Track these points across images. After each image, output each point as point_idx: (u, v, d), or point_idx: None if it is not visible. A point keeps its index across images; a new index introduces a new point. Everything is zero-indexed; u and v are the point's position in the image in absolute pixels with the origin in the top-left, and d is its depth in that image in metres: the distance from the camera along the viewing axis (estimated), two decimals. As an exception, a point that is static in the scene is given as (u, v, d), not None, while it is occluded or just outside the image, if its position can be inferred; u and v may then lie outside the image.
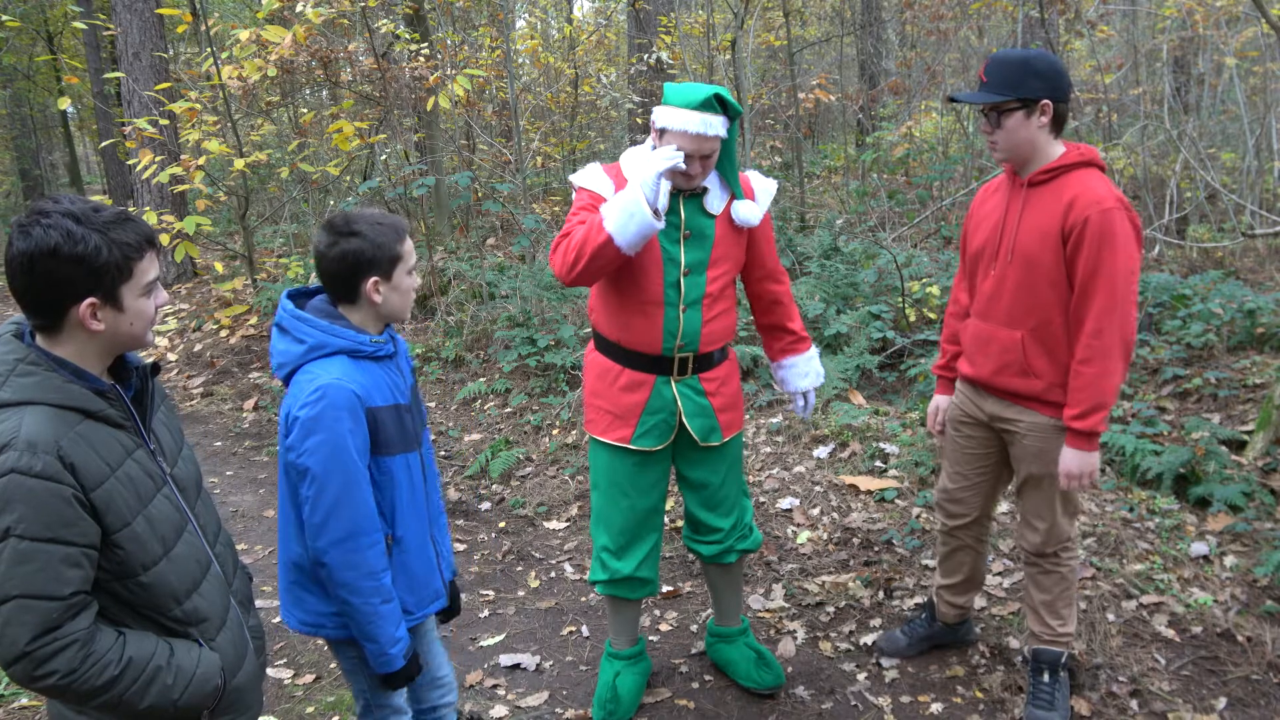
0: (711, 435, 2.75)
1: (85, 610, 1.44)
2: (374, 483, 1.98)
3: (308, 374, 1.91)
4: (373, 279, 1.96)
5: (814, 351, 2.91)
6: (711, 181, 2.62)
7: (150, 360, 1.65)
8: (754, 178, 2.73)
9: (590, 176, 2.64)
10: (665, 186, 2.51)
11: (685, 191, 2.59)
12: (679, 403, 2.69)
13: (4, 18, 8.55)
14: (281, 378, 1.98)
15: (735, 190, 2.65)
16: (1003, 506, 3.88)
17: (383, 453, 1.98)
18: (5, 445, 1.38)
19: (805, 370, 2.89)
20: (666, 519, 4.22)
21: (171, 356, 7.74)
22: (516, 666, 3.27)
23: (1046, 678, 2.75)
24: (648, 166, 2.38)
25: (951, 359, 2.90)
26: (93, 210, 1.46)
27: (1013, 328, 2.54)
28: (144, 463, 1.56)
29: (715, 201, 2.63)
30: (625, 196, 2.37)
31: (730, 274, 2.68)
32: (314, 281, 2.09)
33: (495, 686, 3.17)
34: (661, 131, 2.50)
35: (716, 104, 2.45)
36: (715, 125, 2.43)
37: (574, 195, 2.66)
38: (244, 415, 6.34)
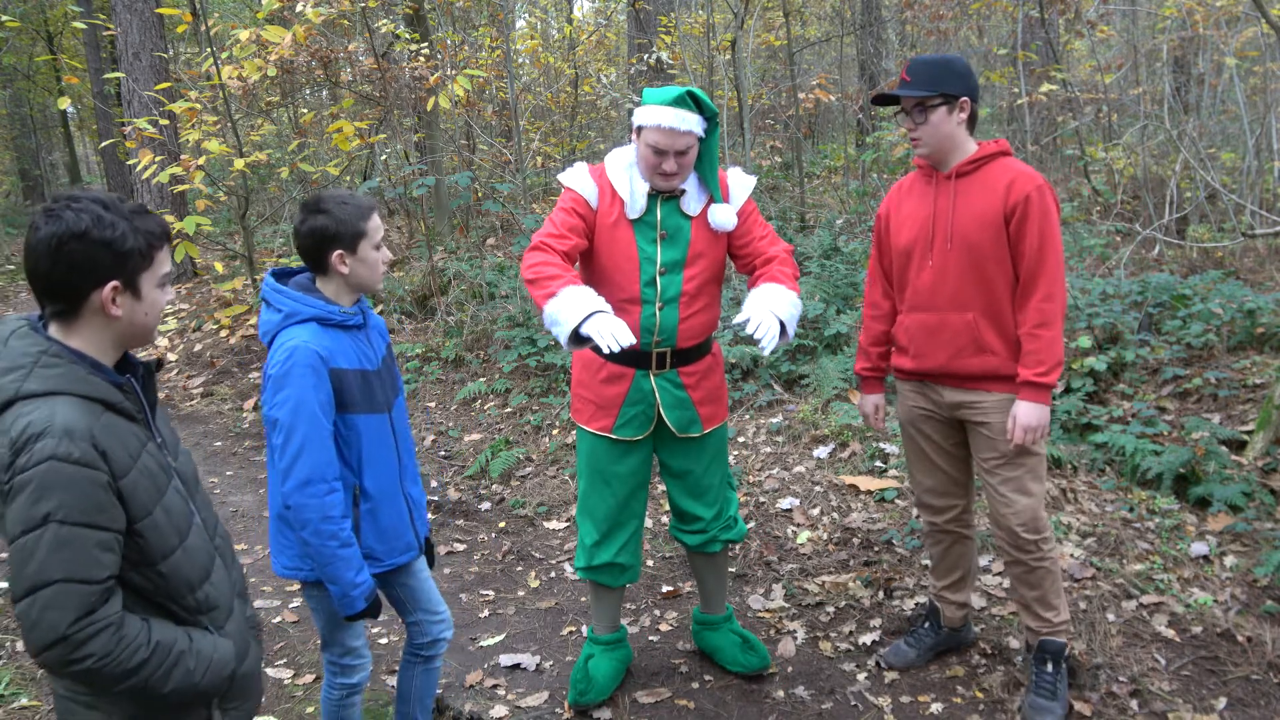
0: (691, 427, 2.82)
1: (115, 595, 1.49)
2: (341, 437, 2.19)
3: (282, 337, 2.14)
4: (338, 251, 2.17)
5: (778, 288, 2.61)
6: (690, 184, 2.70)
7: (153, 358, 1.69)
8: (733, 175, 2.79)
9: (576, 176, 2.73)
10: (643, 188, 2.62)
11: (664, 193, 2.66)
12: (657, 395, 2.77)
13: (4, 18, 8.54)
14: (266, 344, 2.21)
15: (714, 193, 2.71)
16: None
17: (348, 410, 2.19)
18: (41, 433, 1.41)
19: (763, 297, 2.57)
20: (663, 516, 4.22)
21: (171, 356, 7.74)
22: (516, 666, 3.28)
23: (1050, 668, 2.79)
24: (578, 313, 2.36)
25: (879, 358, 3.03)
26: (117, 200, 1.53)
27: (963, 310, 2.68)
28: (155, 456, 1.60)
29: (693, 203, 2.70)
30: (570, 308, 2.38)
31: (708, 271, 2.73)
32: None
33: (495, 686, 3.17)
34: (639, 129, 2.59)
35: (690, 101, 2.53)
36: (689, 121, 2.53)
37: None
38: (244, 415, 6.34)
